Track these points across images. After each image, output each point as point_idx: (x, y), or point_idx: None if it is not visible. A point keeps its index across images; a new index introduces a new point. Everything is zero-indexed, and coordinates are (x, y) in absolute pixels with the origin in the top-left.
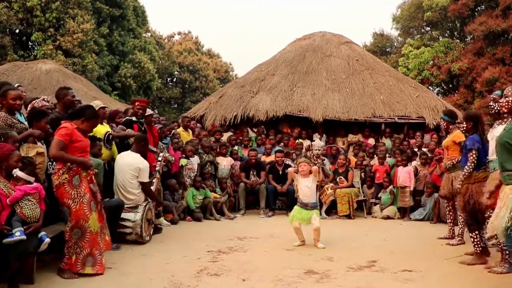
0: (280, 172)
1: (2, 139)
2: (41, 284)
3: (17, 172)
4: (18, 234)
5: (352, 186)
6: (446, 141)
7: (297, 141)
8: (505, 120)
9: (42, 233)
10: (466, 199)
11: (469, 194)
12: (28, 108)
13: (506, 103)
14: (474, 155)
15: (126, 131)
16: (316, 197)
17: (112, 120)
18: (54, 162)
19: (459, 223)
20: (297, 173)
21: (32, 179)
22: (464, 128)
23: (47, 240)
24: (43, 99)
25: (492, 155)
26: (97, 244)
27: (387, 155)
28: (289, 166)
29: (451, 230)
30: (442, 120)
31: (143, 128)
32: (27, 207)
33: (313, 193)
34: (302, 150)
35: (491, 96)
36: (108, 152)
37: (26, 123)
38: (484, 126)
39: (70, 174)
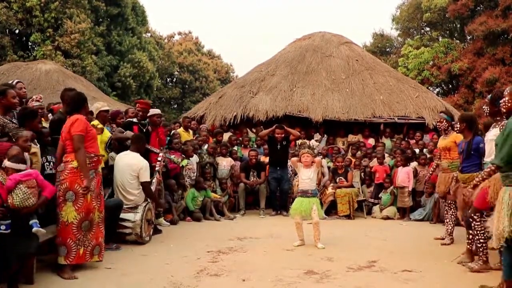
0: (279, 146)
1: (14, 140)
2: (40, 284)
3: (5, 163)
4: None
5: (352, 186)
6: (447, 142)
7: (300, 141)
8: (499, 122)
9: (34, 220)
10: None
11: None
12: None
13: (504, 103)
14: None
15: (124, 133)
16: (315, 186)
17: (113, 120)
18: (51, 162)
19: (450, 222)
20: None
21: (22, 166)
22: (458, 128)
23: (37, 229)
24: (33, 99)
25: (487, 157)
26: (101, 233)
27: (387, 155)
28: (288, 138)
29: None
30: (444, 120)
31: (144, 130)
32: (17, 197)
33: (313, 183)
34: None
35: (485, 99)
36: (107, 155)
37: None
38: (478, 128)
39: (90, 164)
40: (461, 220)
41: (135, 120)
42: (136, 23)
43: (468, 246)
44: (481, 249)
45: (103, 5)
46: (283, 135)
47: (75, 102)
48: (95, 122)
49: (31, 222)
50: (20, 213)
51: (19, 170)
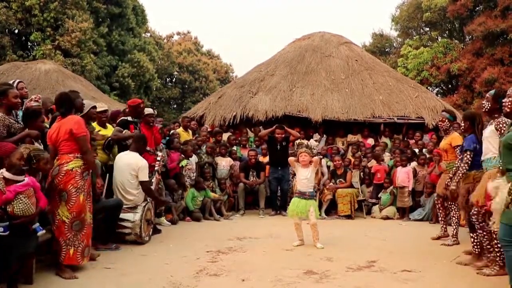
0: (278, 146)
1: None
2: (40, 284)
3: (3, 173)
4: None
5: (352, 186)
6: (444, 144)
7: (297, 140)
8: (496, 119)
9: (37, 224)
10: (467, 199)
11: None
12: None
13: (510, 103)
14: (468, 156)
15: (123, 132)
16: (314, 187)
17: (113, 120)
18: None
19: (453, 224)
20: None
21: (21, 178)
22: (463, 127)
23: (41, 233)
24: (32, 100)
25: (484, 155)
26: (91, 234)
27: (388, 154)
28: (288, 138)
29: (443, 228)
30: (447, 120)
31: (137, 128)
32: (18, 207)
33: (311, 183)
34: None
35: (487, 94)
36: (106, 156)
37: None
38: (482, 126)
39: (84, 165)
40: (462, 220)
41: (129, 118)
42: (136, 23)
43: (474, 250)
44: (498, 254)
45: (103, 7)
46: (283, 136)
47: (67, 102)
48: (98, 127)
49: (34, 226)
50: (19, 220)
51: (18, 181)
